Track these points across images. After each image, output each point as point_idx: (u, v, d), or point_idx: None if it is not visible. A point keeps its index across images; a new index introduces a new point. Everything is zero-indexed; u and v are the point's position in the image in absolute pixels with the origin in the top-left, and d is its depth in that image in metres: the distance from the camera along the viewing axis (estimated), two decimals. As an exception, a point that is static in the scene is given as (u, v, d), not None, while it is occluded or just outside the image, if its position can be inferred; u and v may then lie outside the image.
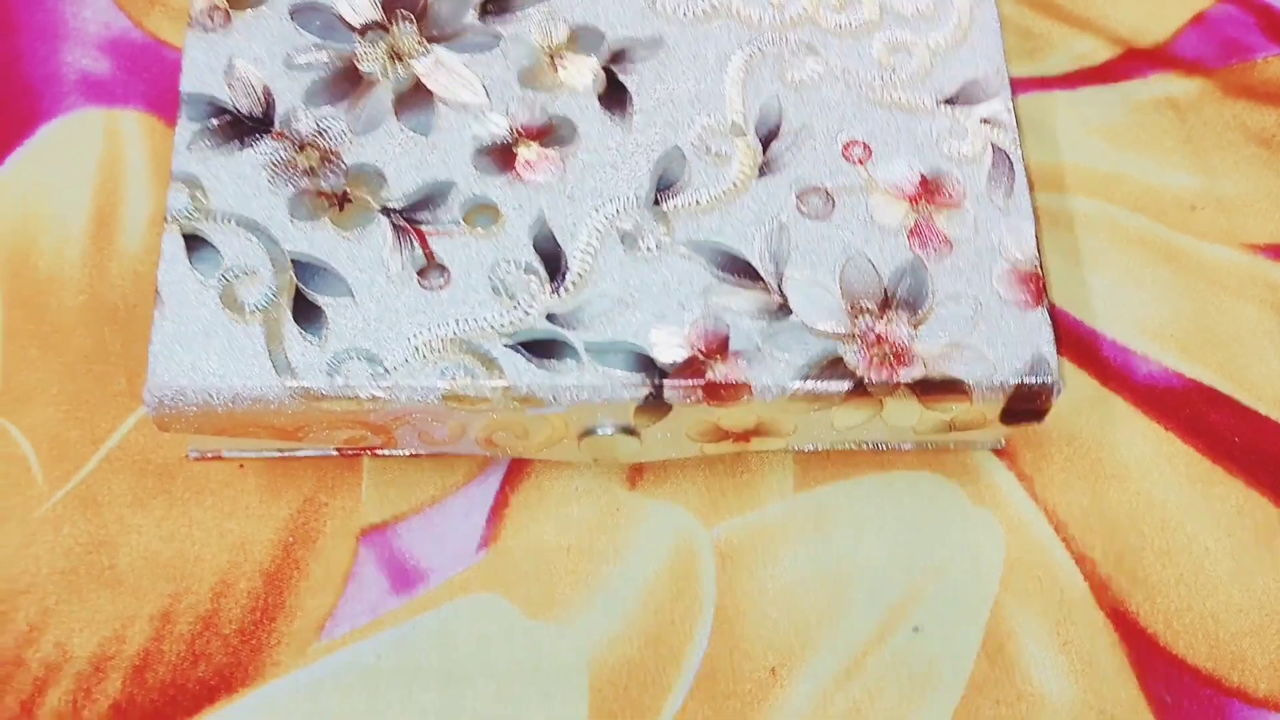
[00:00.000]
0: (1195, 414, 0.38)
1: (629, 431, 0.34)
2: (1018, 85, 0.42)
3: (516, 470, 0.37)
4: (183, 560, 0.35)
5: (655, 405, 0.33)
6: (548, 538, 0.36)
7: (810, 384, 0.33)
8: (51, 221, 0.39)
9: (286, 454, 0.36)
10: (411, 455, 0.37)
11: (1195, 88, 0.43)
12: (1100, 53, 0.44)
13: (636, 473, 0.37)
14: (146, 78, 0.41)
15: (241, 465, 0.36)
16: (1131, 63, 0.43)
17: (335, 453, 0.36)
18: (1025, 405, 0.34)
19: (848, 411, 0.33)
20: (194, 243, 0.34)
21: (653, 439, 0.34)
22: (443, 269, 0.34)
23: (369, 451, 0.36)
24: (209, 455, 0.36)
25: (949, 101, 0.37)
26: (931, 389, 0.33)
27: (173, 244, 0.34)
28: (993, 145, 0.36)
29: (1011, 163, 0.36)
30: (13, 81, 0.41)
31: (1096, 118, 0.42)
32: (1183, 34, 0.44)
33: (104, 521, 0.36)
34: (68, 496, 0.36)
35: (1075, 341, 0.39)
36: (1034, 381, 0.33)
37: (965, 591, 0.36)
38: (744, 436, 0.35)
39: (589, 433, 0.34)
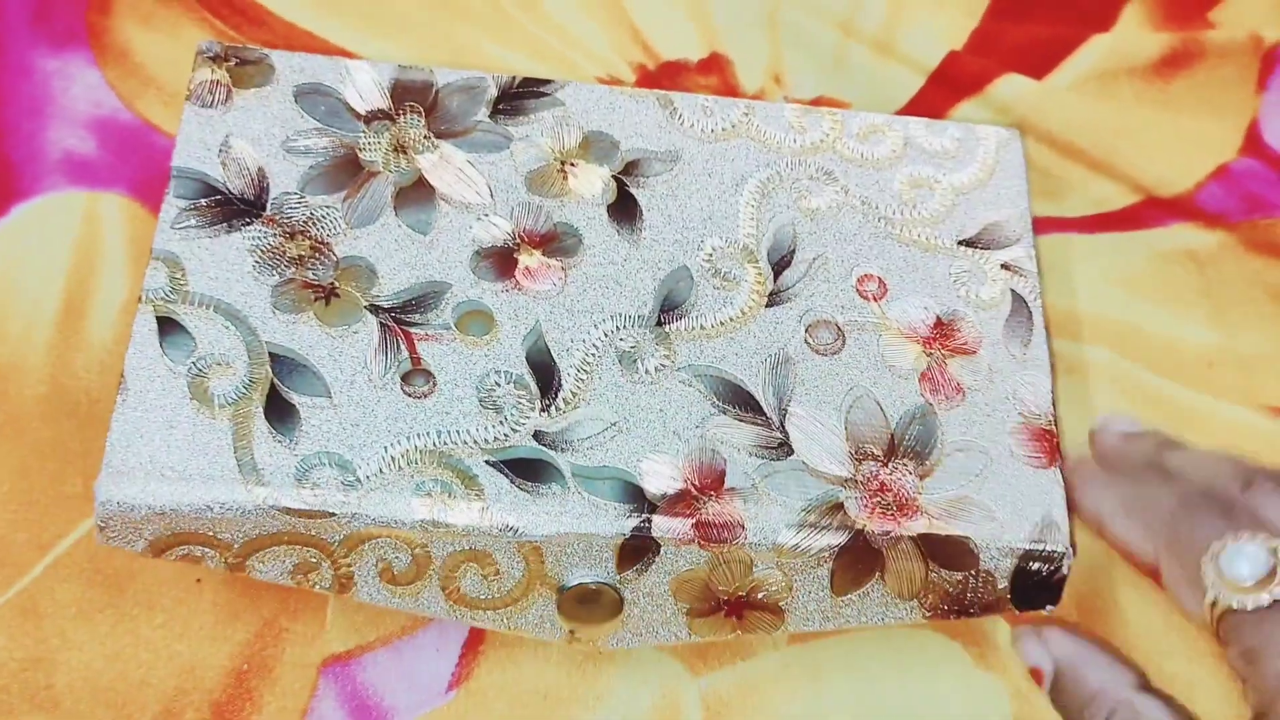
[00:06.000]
0: (1205, 586, 0.36)
1: (611, 591, 0.31)
2: (1035, 225, 0.41)
3: (488, 594, 0.35)
4: (126, 684, 0.32)
5: (641, 543, 0.31)
6: (524, 680, 0.33)
7: (806, 533, 0.31)
8: (18, 305, 0.37)
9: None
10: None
11: (1215, 241, 0.42)
12: (1120, 198, 0.43)
13: (616, 606, 0.35)
14: (133, 161, 0.40)
15: (199, 580, 0.34)
16: (1151, 211, 0.42)
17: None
18: (1034, 574, 0.31)
19: (846, 571, 0.31)
20: (167, 326, 0.32)
21: (637, 600, 0.32)
22: (428, 375, 0.32)
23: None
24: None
25: (969, 243, 0.36)
26: (934, 546, 0.31)
27: (145, 325, 0.32)
28: (1013, 292, 0.35)
29: (1031, 312, 0.35)
30: (-9, 156, 0.40)
31: (1115, 265, 0.41)
32: (1205, 186, 0.43)
33: (44, 635, 0.33)
34: (6, 605, 0.33)
35: (1083, 498, 0.37)
36: (1043, 547, 0.31)
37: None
38: (736, 608, 0.32)
39: (566, 588, 0.31)
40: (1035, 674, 0.32)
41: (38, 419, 0.36)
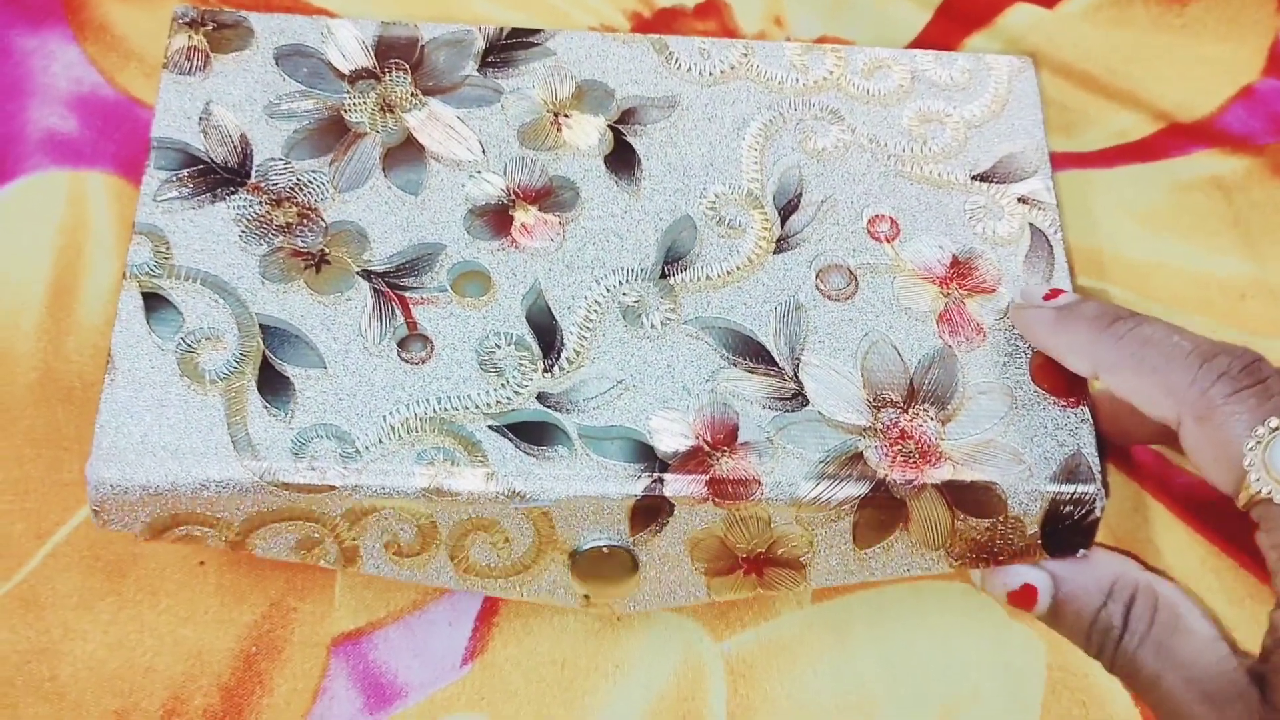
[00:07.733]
0: (1239, 526, 0.35)
1: (626, 553, 0.30)
2: (1052, 162, 0.40)
3: (499, 563, 0.34)
4: (131, 671, 0.32)
5: (654, 503, 0.29)
6: (540, 650, 0.32)
7: (825, 485, 0.29)
8: (5, 290, 0.36)
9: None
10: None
11: (1242, 166, 0.40)
12: (1141, 128, 0.41)
13: (631, 570, 0.34)
14: (116, 138, 0.38)
15: (202, 563, 0.33)
16: (1174, 139, 0.41)
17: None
18: (1066, 518, 0.30)
19: (868, 523, 0.30)
20: (154, 302, 0.31)
21: (652, 562, 0.31)
22: (425, 340, 0.31)
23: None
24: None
25: (984, 178, 0.34)
26: (960, 493, 0.30)
27: (130, 303, 0.31)
28: (1031, 226, 0.34)
29: (1051, 246, 0.33)
30: (-27, 137, 0.39)
31: (1137, 198, 0.40)
32: (1228, 109, 0.41)
33: (46, 626, 0.32)
34: (6, 597, 0.32)
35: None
36: (1074, 490, 0.30)
37: (1003, 717, 0.32)
38: (755, 565, 0.31)
39: (579, 552, 0.30)
40: (1026, 594, 0.30)
41: (30, 406, 0.35)
